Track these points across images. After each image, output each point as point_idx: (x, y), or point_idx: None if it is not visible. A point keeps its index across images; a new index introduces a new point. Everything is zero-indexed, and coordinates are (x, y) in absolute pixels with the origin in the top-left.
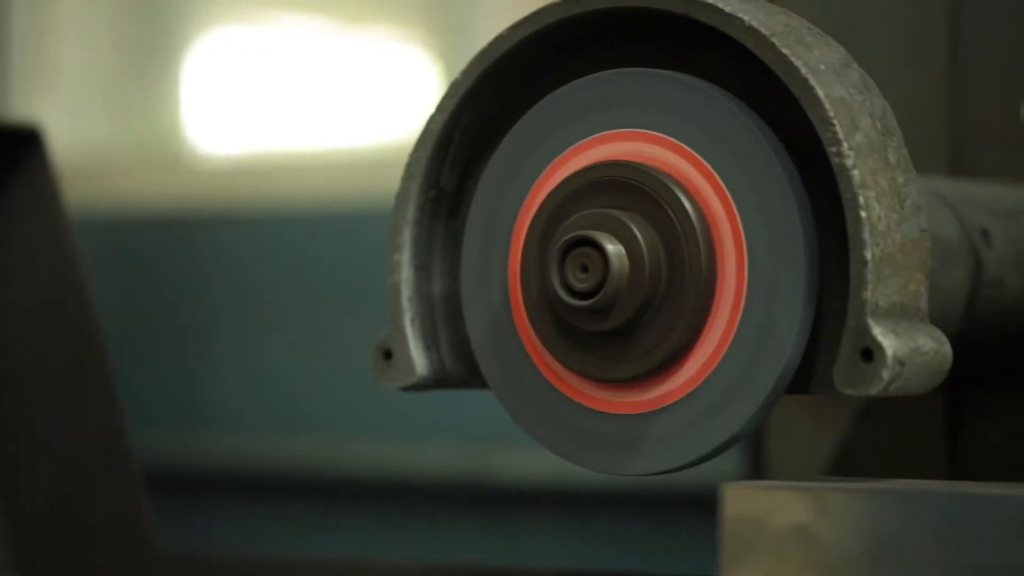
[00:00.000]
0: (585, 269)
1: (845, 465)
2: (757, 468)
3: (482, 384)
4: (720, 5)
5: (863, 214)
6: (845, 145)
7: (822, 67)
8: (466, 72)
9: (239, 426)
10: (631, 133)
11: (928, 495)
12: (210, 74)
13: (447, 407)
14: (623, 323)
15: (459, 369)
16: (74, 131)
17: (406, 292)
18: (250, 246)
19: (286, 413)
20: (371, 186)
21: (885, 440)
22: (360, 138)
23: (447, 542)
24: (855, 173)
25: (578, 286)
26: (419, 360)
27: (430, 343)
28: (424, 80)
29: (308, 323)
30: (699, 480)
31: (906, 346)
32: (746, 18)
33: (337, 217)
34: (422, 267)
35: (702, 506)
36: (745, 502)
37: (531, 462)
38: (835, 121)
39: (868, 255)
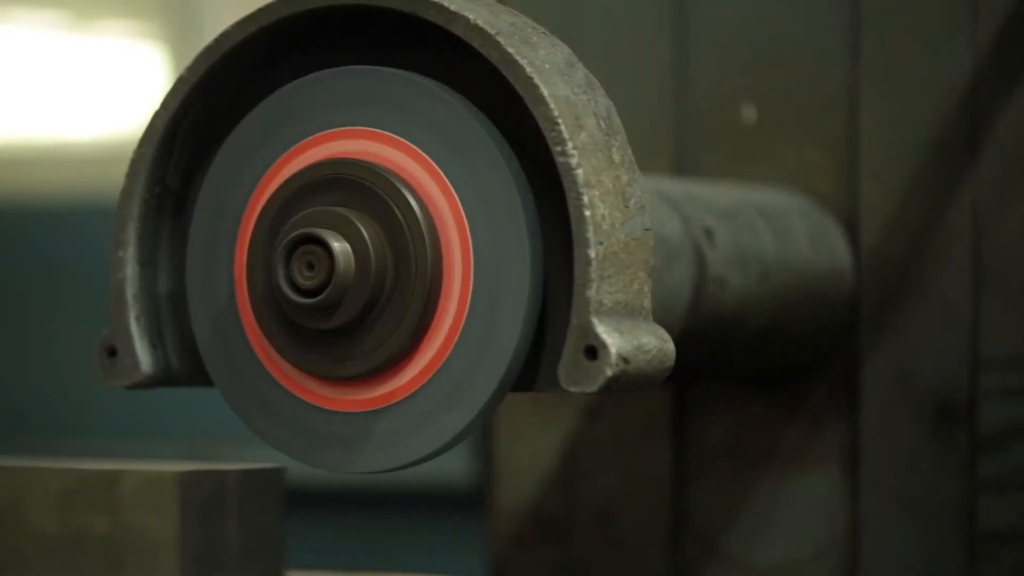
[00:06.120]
0: (311, 267)
1: (574, 462)
2: (486, 466)
3: (208, 382)
4: (445, 3)
5: (587, 213)
6: (569, 144)
7: (547, 66)
8: (191, 69)
9: None
10: (358, 131)
11: None
12: None
13: (174, 405)
14: (348, 321)
15: (185, 367)
16: None
17: (131, 289)
18: None
19: (8, 413)
20: (101, 181)
21: (613, 437)
22: (91, 132)
23: None
24: (579, 172)
25: (303, 284)
26: (144, 358)
27: (155, 341)
28: (156, 75)
29: (37, 319)
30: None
31: (629, 344)
32: (471, 16)
33: (66, 211)
34: (147, 264)
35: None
36: None
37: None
38: (559, 120)
39: (592, 254)
